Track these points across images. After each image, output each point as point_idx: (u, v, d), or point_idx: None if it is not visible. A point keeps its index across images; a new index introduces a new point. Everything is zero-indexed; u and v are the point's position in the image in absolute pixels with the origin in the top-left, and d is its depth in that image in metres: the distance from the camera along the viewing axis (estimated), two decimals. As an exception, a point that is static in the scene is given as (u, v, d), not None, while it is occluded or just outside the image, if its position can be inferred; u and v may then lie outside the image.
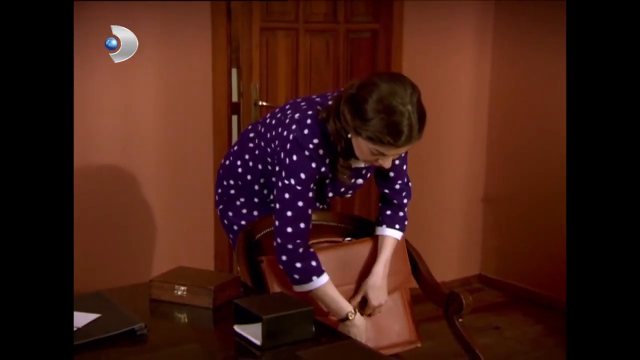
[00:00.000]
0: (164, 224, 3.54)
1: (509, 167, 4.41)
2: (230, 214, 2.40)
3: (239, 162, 2.34)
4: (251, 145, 2.30)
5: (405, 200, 2.33)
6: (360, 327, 2.16)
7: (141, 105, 3.42)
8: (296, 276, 2.07)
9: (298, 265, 2.06)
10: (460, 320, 2.26)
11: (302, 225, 2.05)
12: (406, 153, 2.26)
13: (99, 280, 2.77)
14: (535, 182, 4.23)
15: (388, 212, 2.31)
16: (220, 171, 2.44)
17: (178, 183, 3.55)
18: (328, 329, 1.91)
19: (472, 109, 4.43)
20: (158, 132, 3.47)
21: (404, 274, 2.36)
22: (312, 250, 2.09)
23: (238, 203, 2.38)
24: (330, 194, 2.24)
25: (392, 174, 2.27)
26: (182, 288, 2.00)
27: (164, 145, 3.49)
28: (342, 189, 2.22)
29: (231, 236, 2.43)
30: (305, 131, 2.01)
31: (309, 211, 2.06)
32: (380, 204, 2.36)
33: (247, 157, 2.31)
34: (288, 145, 2.03)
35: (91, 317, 1.84)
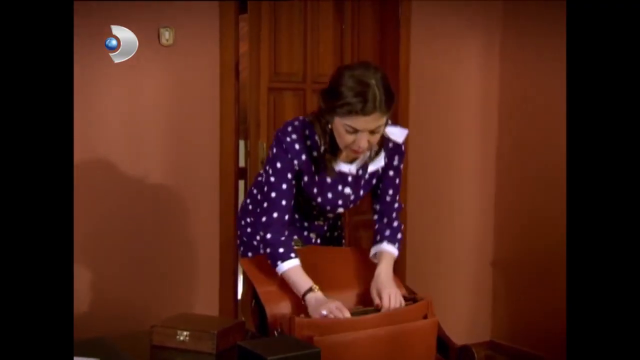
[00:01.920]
0: (167, 276, 3.50)
1: (518, 229, 4.35)
2: (250, 254, 2.47)
3: (248, 200, 2.52)
4: (259, 178, 2.46)
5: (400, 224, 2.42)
6: (320, 299, 2.11)
7: (149, 154, 3.44)
8: (268, 260, 2.21)
9: (268, 250, 2.21)
10: (472, 376, 2.20)
11: (275, 215, 2.21)
12: (400, 171, 2.34)
13: (99, 327, 2.73)
14: (545, 245, 4.16)
15: (387, 232, 2.38)
16: (239, 213, 2.58)
17: (183, 236, 3.53)
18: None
19: (480, 172, 4.44)
20: (164, 182, 3.48)
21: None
22: (282, 238, 2.21)
23: (255, 243, 2.47)
24: (319, 199, 2.28)
25: (388, 196, 2.36)
26: (185, 333, 1.97)
27: (170, 193, 3.50)
28: (330, 195, 2.27)
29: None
30: (289, 128, 2.23)
31: (283, 202, 2.22)
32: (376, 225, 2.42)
33: (255, 191, 2.48)
34: (273, 142, 2.26)
35: (90, 361, 1.80)
